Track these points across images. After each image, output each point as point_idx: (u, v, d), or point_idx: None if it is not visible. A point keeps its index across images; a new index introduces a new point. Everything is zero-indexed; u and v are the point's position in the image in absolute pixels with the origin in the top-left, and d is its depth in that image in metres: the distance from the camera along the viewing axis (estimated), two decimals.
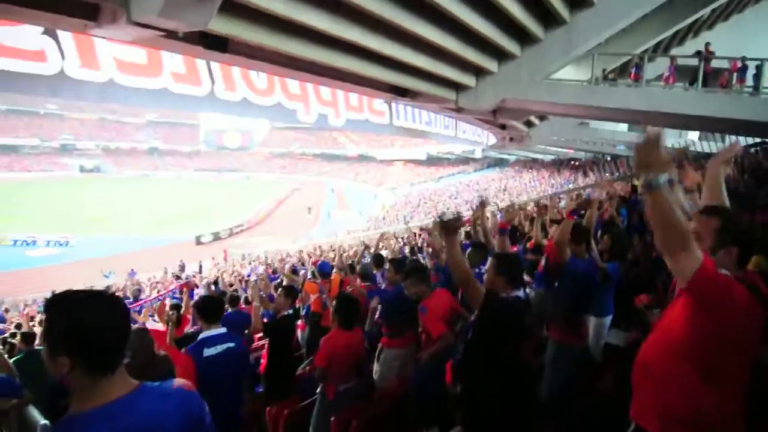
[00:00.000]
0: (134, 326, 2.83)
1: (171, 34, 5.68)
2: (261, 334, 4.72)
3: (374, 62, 8.45)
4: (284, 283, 6.23)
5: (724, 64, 9.45)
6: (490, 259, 2.09)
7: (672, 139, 20.19)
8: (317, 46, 7.26)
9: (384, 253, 7.51)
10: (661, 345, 1.38)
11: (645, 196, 1.23)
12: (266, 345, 3.89)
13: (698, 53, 9.30)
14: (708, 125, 11.07)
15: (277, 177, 53.29)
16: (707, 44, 9.49)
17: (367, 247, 9.79)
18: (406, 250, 8.89)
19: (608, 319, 3.20)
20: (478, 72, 10.48)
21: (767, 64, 8.03)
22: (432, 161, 48.94)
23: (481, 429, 1.86)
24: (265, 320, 4.09)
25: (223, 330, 2.67)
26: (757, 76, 8.34)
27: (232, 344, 2.66)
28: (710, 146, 17.92)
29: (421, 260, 6.58)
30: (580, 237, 2.76)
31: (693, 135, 20.39)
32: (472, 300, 1.91)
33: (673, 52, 14.49)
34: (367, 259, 6.49)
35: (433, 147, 44.15)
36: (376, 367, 3.61)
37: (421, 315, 2.99)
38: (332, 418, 2.78)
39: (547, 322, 2.85)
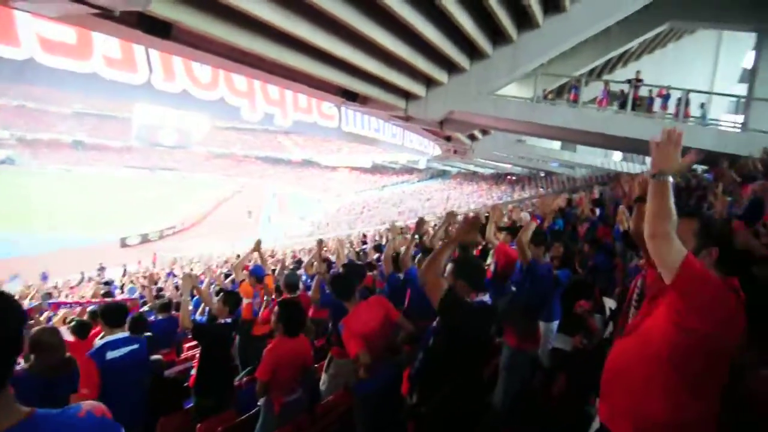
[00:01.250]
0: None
1: (106, 13, 5.18)
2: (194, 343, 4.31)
3: (325, 63, 8.29)
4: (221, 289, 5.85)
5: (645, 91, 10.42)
6: (448, 264, 2.01)
7: (598, 158, 21.88)
8: (267, 40, 6.99)
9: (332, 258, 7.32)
10: (640, 350, 1.33)
11: (652, 183, 1.29)
12: (198, 354, 3.56)
13: (629, 81, 10.10)
14: (635, 146, 12.03)
15: (216, 178, 50.96)
16: (638, 72, 10.34)
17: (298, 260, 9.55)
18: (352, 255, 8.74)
19: (555, 324, 3.27)
20: (429, 82, 10.66)
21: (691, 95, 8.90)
22: (377, 169, 49.23)
23: None
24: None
25: (126, 333, 2.77)
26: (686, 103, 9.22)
27: (135, 346, 2.73)
28: (631, 167, 19.62)
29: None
30: (540, 239, 2.79)
31: (617, 156, 22.18)
32: (433, 296, 1.83)
33: (605, 78, 15.72)
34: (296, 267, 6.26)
35: (378, 155, 44.39)
36: (324, 377, 3.42)
37: (341, 332, 2.81)
38: None
39: (502, 327, 2.83)
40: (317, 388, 3.33)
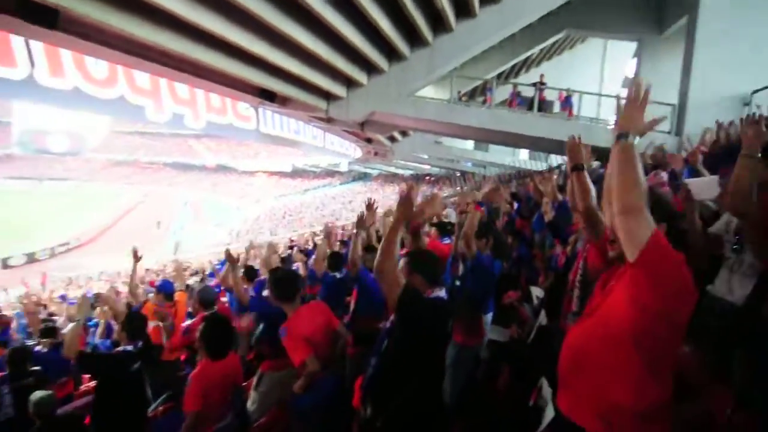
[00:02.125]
0: None
1: None
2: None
3: (241, 60, 7.83)
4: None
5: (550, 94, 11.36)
6: (402, 259, 1.90)
7: (507, 157, 23.42)
8: (173, 33, 6.40)
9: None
10: (600, 334, 1.28)
11: (615, 147, 1.19)
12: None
13: (534, 84, 10.92)
14: (541, 145, 13.02)
15: (117, 187, 46.24)
16: (541, 76, 11.20)
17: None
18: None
19: (490, 316, 3.34)
20: (349, 83, 10.57)
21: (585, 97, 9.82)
22: (297, 173, 48.15)
23: None
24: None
25: None
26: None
27: None
28: (536, 165, 21.29)
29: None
30: (482, 231, 2.79)
31: (524, 155, 23.94)
32: (390, 294, 1.65)
33: (512, 81, 16.90)
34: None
35: (299, 159, 43.42)
36: (253, 396, 3.15)
37: (282, 338, 2.61)
38: None
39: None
40: (246, 410, 3.05)
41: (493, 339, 3.07)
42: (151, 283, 9.96)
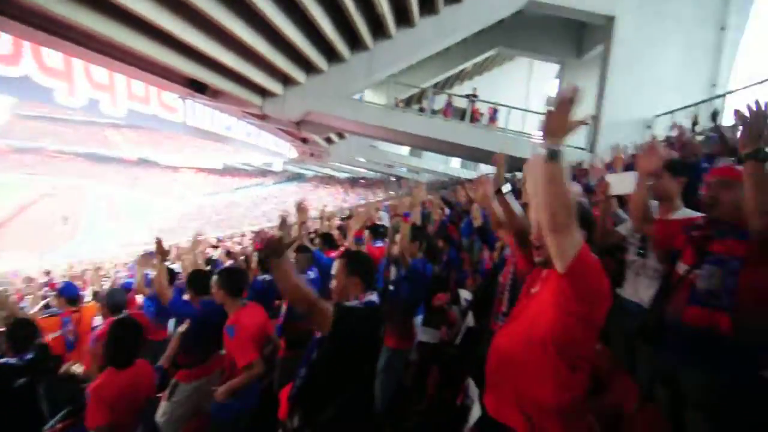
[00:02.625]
0: None
1: None
2: None
3: (171, 48, 7.34)
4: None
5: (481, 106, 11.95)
6: (336, 261, 1.85)
7: (440, 165, 24.19)
8: (95, 12, 5.84)
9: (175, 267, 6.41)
10: (524, 337, 1.34)
11: (544, 166, 1.15)
12: None
13: (468, 96, 11.40)
14: (472, 154, 13.61)
15: (17, 177, 41.00)
16: (474, 89, 11.73)
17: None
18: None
19: (420, 318, 3.38)
20: (286, 80, 10.32)
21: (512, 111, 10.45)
22: (228, 171, 45.99)
23: None
24: None
25: None
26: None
27: None
28: (467, 173, 22.24)
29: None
30: (416, 235, 2.81)
31: (456, 163, 24.86)
32: (321, 325, 1.58)
33: (446, 92, 17.54)
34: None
35: (230, 156, 41.51)
36: (164, 406, 2.89)
37: (226, 336, 2.48)
38: None
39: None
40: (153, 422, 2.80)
41: (422, 341, 3.12)
42: (52, 286, 8.95)
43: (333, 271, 1.84)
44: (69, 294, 4.07)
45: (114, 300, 3.57)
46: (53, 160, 46.53)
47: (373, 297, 1.78)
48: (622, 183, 2.22)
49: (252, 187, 42.52)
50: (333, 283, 1.83)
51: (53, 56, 7.37)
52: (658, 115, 9.75)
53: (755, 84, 6.73)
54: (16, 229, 28.25)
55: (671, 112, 9.35)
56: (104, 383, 2.21)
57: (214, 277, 2.64)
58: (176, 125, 11.12)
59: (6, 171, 42.19)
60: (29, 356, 2.62)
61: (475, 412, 1.77)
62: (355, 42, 9.83)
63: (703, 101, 8.96)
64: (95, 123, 44.79)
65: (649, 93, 9.93)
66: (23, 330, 2.70)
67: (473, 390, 1.85)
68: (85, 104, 8.59)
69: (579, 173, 6.52)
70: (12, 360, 2.57)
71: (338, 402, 1.56)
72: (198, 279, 3.04)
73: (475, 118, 11.34)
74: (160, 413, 2.85)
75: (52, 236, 26.05)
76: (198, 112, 11.71)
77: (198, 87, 9.23)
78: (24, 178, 41.22)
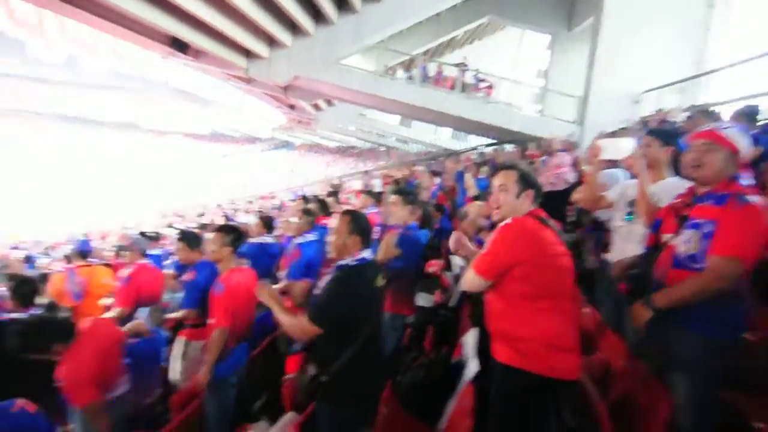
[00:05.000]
0: None
1: None
2: None
3: (150, 3, 6.98)
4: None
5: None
6: (339, 217, 1.90)
7: (429, 135, 24.00)
8: None
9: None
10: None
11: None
12: None
13: (459, 64, 11.22)
14: (462, 125, 13.53)
15: None
16: (464, 57, 11.53)
17: None
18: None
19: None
20: (272, 42, 9.99)
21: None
22: (216, 137, 44.73)
23: (344, 403, 1.78)
24: None
25: None
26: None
27: None
28: (457, 144, 22.15)
29: None
30: (411, 199, 2.84)
31: (446, 134, 24.68)
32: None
33: (437, 60, 17.21)
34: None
35: (217, 121, 40.25)
36: (180, 366, 2.93)
37: (212, 293, 2.53)
38: None
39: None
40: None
41: (419, 305, 3.20)
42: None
43: (332, 228, 1.89)
44: (81, 249, 4.40)
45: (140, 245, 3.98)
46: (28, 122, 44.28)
47: (366, 254, 1.88)
48: (617, 148, 2.23)
49: (239, 153, 41.61)
50: (331, 239, 1.88)
51: (21, 6, 6.85)
52: (646, 91, 9.76)
53: (744, 61, 6.74)
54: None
55: (659, 87, 9.35)
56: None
57: (213, 233, 2.64)
58: (159, 86, 10.69)
59: None
60: (31, 312, 2.65)
61: (472, 367, 1.85)
62: (342, 3, 9.50)
63: (692, 77, 8.98)
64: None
65: (638, 68, 9.88)
66: (26, 287, 2.74)
67: (469, 348, 1.93)
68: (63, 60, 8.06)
69: (568, 147, 6.55)
70: (18, 315, 2.62)
71: (350, 352, 1.71)
72: None
73: (465, 87, 11.19)
74: (177, 373, 2.88)
75: None
76: (180, 73, 11.28)
77: (180, 46, 8.86)
78: None
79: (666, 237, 1.81)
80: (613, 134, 6.30)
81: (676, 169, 2.19)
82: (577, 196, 3.35)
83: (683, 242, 1.71)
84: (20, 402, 1.23)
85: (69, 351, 2.19)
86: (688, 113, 5.95)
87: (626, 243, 2.31)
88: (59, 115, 43.94)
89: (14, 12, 6.52)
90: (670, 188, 2.09)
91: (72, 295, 4.02)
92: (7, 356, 2.40)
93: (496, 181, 1.77)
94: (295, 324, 1.75)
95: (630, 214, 2.30)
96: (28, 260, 7.59)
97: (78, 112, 43.24)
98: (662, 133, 2.27)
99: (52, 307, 3.10)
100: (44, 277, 4.43)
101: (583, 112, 10.40)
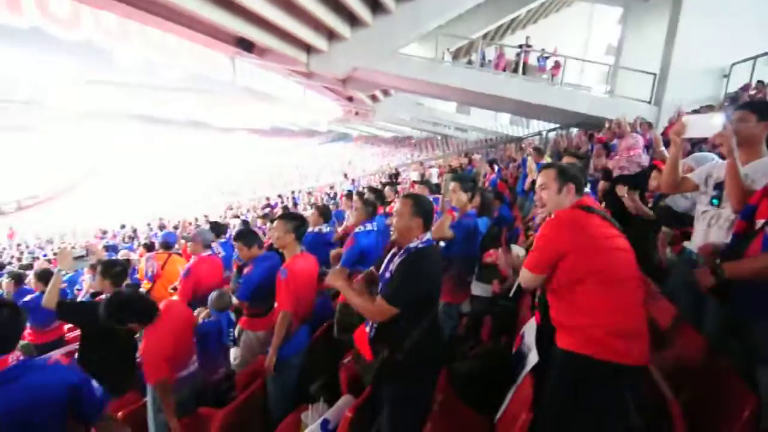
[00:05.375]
0: None
1: None
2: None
3: (218, 5, 7.36)
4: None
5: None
6: (401, 201, 1.93)
7: (489, 121, 23.28)
8: None
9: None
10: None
11: None
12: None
13: (520, 46, 10.71)
14: (523, 109, 12.96)
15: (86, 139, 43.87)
16: (527, 38, 10.98)
17: None
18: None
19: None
20: (331, 35, 10.16)
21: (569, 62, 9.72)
22: (276, 132, 46.71)
23: (412, 380, 1.84)
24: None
25: None
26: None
27: None
28: (517, 130, 21.28)
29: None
30: (470, 187, 2.80)
31: (505, 119, 23.81)
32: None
33: (498, 43, 16.56)
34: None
35: (278, 117, 41.95)
36: (235, 352, 3.15)
37: (279, 278, 2.61)
38: None
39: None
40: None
41: (475, 294, 3.15)
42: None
43: (395, 211, 1.91)
44: (165, 240, 4.86)
45: (204, 236, 4.08)
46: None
47: (429, 236, 1.91)
48: (707, 125, 2.00)
49: (299, 146, 43.13)
50: (394, 221, 1.90)
51: (107, 18, 7.47)
52: (735, 63, 8.73)
53: None
54: (88, 188, 30.52)
55: (752, 58, 8.31)
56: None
57: (276, 221, 2.75)
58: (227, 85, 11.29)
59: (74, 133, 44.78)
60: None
61: (532, 359, 1.79)
62: None
63: None
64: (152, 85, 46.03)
65: (726, 39, 8.83)
66: (116, 267, 3.05)
67: (529, 338, 1.88)
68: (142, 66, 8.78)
69: (643, 128, 6.05)
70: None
71: (418, 331, 1.79)
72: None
73: (527, 70, 10.67)
74: (232, 357, 3.11)
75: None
76: (246, 71, 11.83)
77: (245, 45, 9.29)
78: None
79: (760, 223, 1.62)
80: (696, 113, 5.72)
81: None
82: (653, 183, 3.10)
83: None
84: (55, 356, 1.39)
85: (147, 329, 2.40)
86: None
87: (711, 228, 2.10)
88: (137, 116, 48.05)
89: (101, 22, 7.15)
90: (766, 168, 1.87)
91: (146, 277, 4.51)
92: (105, 329, 2.71)
93: (537, 182, 1.83)
94: (370, 306, 1.82)
95: (716, 197, 2.09)
96: (112, 249, 8.39)
97: (154, 112, 46.97)
98: (761, 106, 2.02)
99: (135, 287, 3.42)
100: (127, 263, 4.90)
101: (659, 90, 9.55)
